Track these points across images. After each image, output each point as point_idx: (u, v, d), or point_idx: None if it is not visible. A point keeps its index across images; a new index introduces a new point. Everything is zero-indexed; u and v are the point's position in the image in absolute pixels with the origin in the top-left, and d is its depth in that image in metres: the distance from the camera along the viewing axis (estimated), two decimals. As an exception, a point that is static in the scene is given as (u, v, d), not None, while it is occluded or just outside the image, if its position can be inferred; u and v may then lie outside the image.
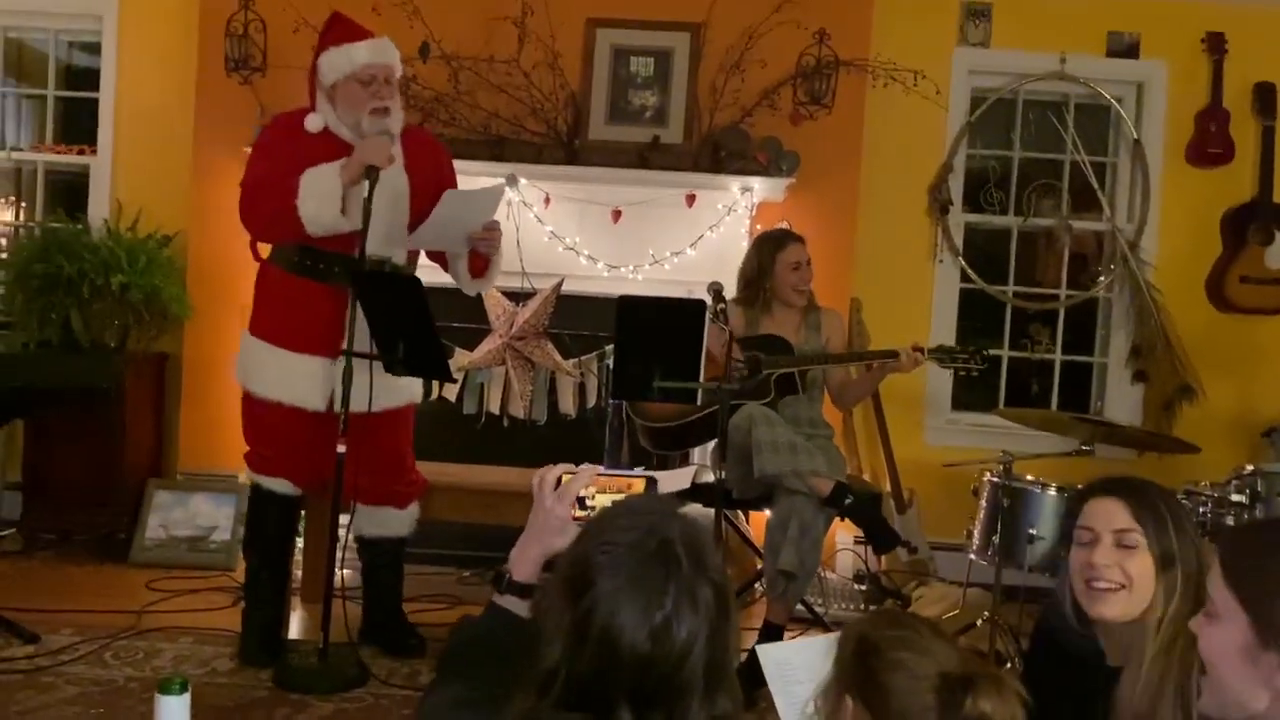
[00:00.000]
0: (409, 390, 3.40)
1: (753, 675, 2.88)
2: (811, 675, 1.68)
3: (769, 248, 3.68)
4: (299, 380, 3.20)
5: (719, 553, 1.30)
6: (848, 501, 3.26)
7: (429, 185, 3.27)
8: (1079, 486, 1.95)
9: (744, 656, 3.24)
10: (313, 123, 3.22)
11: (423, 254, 3.45)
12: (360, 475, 3.30)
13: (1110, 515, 1.76)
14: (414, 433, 3.56)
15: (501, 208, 4.23)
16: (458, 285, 3.48)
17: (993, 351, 4.86)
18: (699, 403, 3.20)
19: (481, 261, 3.39)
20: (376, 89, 3.18)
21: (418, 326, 3.02)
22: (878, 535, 3.38)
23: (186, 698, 1.26)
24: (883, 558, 4.39)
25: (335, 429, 3.15)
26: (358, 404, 3.07)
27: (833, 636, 2.27)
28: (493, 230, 3.32)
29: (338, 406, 3.13)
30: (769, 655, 1.86)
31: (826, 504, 3.26)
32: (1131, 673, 1.70)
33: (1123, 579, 1.74)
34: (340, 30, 3.22)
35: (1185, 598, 1.70)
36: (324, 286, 3.19)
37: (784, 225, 4.00)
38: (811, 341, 3.66)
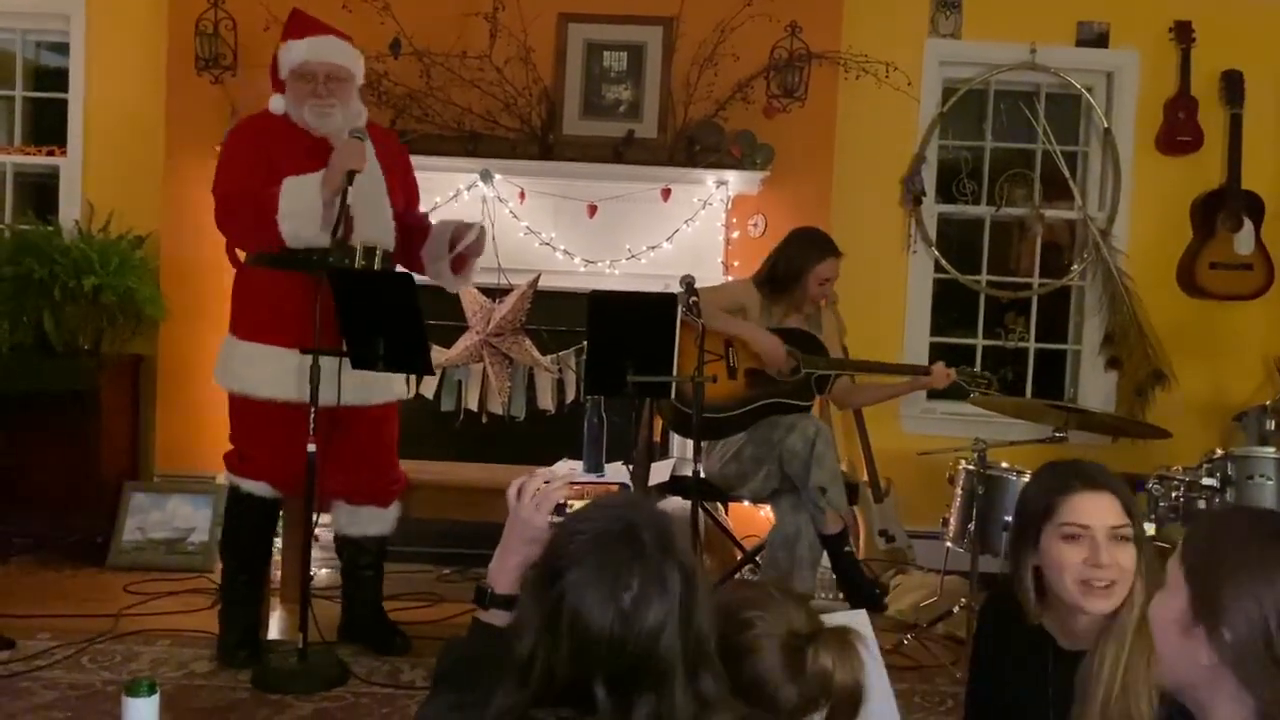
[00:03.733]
0: (394, 386, 3.41)
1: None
2: None
3: (812, 253, 3.65)
4: (292, 375, 3.19)
5: (689, 538, 1.32)
6: (847, 549, 3.35)
7: (400, 176, 3.35)
8: (1039, 475, 1.95)
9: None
10: (275, 104, 3.31)
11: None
12: (342, 473, 3.30)
13: (1104, 512, 1.75)
14: (399, 431, 3.56)
15: (476, 204, 4.27)
16: (439, 284, 3.51)
17: (967, 341, 4.92)
18: (672, 395, 3.21)
19: (461, 261, 3.43)
20: (315, 87, 3.24)
21: (405, 323, 3.04)
22: (854, 592, 3.41)
23: (155, 699, 1.26)
24: (860, 546, 4.43)
25: (323, 425, 3.17)
26: (332, 399, 3.10)
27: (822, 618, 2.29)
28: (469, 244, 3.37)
29: (329, 399, 3.15)
30: None
31: (825, 540, 3.28)
32: (1109, 654, 1.71)
33: (1118, 574, 1.75)
34: (293, 26, 3.32)
35: (1150, 575, 1.72)
36: (308, 277, 3.19)
37: (827, 234, 3.88)
38: None
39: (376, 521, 3.46)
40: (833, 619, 1.97)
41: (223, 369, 3.35)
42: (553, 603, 1.24)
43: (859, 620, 1.88)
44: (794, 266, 3.65)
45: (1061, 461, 1.90)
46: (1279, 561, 1.22)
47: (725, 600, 1.41)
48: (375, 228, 3.27)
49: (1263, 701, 1.19)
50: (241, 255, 3.38)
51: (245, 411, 3.31)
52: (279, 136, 3.25)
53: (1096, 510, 1.75)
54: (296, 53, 3.24)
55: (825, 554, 3.50)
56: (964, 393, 3.77)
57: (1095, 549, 1.74)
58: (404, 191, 3.41)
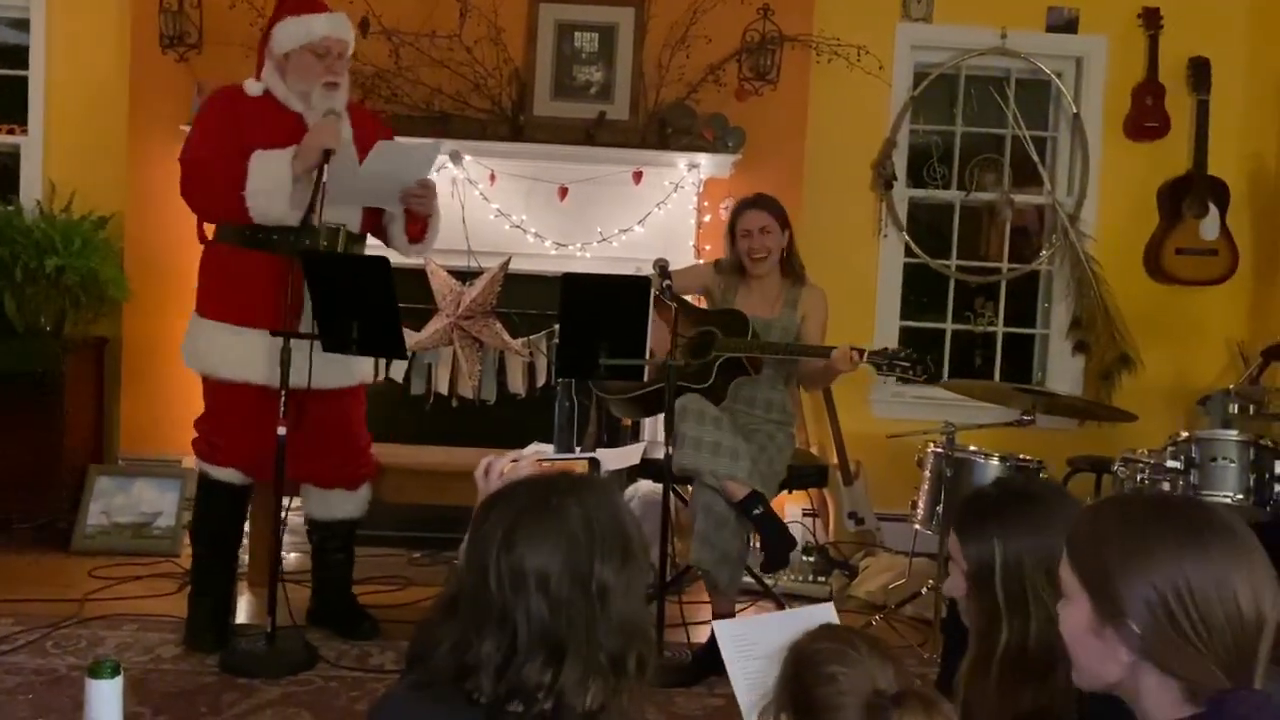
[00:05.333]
0: (359, 369, 3.38)
1: (709, 659, 2.92)
2: (767, 650, 1.70)
3: (733, 213, 3.63)
4: (264, 357, 3.15)
5: (618, 507, 1.33)
6: (755, 512, 3.19)
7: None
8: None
9: (700, 644, 3.28)
10: (252, 87, 3.25)
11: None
12: (311, 457, 3.27)
13: (953, 547, 1.79)
14: (367, 413, 3.54)
15: (446, 185, 4.23)
16: (397, 251, 3.45)
17: (937, 325, 4.95)
18: (645, 378, 3.20)
19: (418, 225, 3.38)
20: (330, 63, 3.20)
21: (380, 306, 3.01)
22: (769, 553, 3.30)
23: (119, 681, 1.25)
24: (829, 528, 4.46)
25: (291, 409, 3.14)
26: (300, 381, 3.07)
27: (790, 612, 2.28)
28: (427, 187, 3.30)
29: (298, 382, 3.11)
30: (725, 631, 1.87)
31: (737, 509, 3.23)
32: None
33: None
34: (298, 1, 3.24)
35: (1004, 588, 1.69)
36: (275, 258, 3.16)
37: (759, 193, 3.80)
38: (786, 318, 3.55)
39: (346, 504, 3.45)
40: (801, 614, 1.98)
41: (190, 349, 3.32)
42: (476, 550, 1.29)
43: (826, 613, 1.89)
44: (729, 236, 3.60)
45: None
46: (1157, 539, 1.23)
47: (806, 650, 1.37)
48: (341, 208, 3.23)
49: (1184, 680, 1.21)
50: (209, 233, 3.33)
51: (211, 393, 3.29)
52: (257, 114, 3.20)
53: (952, 544, 1.79)
54: (316, 27, 3.17)
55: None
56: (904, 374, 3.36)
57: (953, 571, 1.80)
58: None
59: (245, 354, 3.18)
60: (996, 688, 1.62)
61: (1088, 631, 1.26)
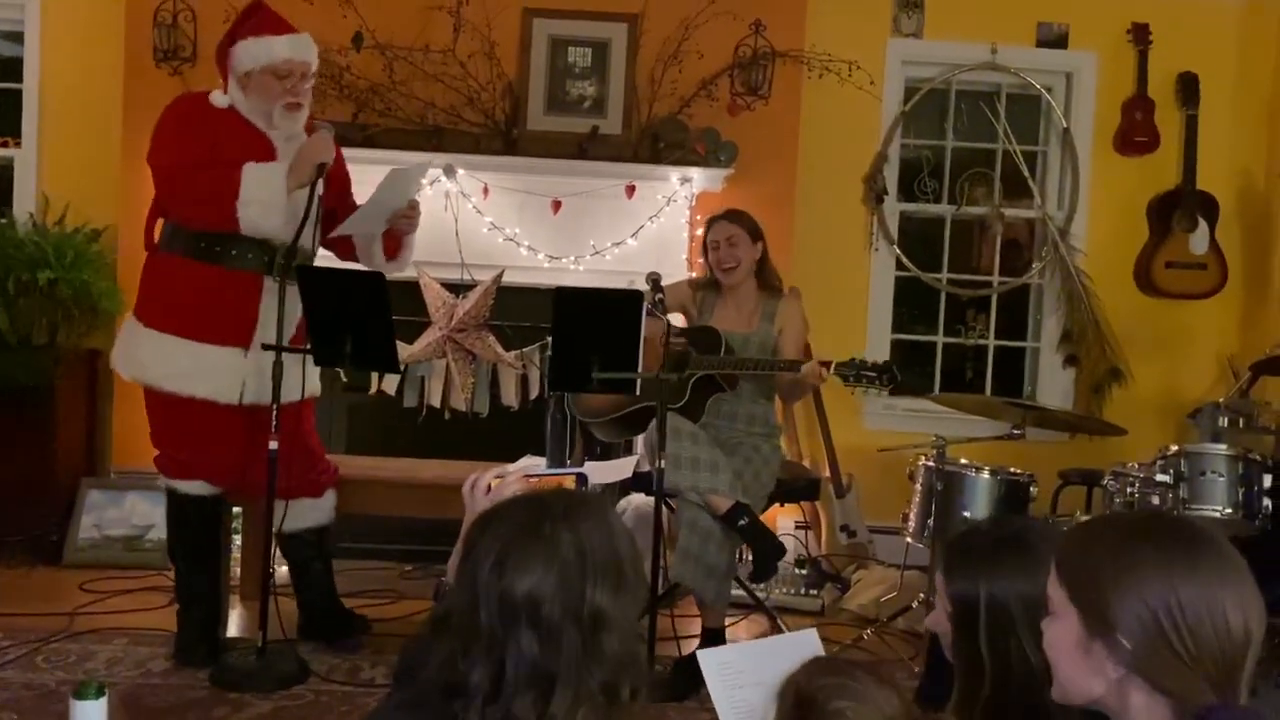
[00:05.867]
0: (310, 383, 3.33)
1: (692, 675, 2.92)
2: (754, 679, 1.70)
3: (704, 229, 3.64)
4: (214, 373, 3.13)
5: (609, 527, 1.31)
6: (741, 523, 3.20)
7: (332, 176, 3.27)
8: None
9: (682, 656, 3.28)
10: (218, 99, 3.20)
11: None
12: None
13: (939, 584, 1.77)
14: (316, 423, 3.55)
15: (440, 198, 4.26)
16: (363, 266, 3.42)
17: (928, 338, 4.97)
18: (638, 392, 3.20)
19: (395, 243, 3.38)
20: (292, 84, 3.17)
21: (376, 321, 3.01)
22: (758, 562, 3.31)
23: (103, 703, 1.25)
24: (821, 541, 4.46)
25: (248, 423, 3.14)
26: (232, 398, 3.09)
27: (773, 639, 2.27)
28: (414, 208, 3.33)
29: (247, 398, 3.11)
30: (709, 659, 1.85)
31: (722, 522, 3.22)
32: None
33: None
34: (260, 20, 3.20)
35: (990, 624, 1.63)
36: (233, 273, 3.14)
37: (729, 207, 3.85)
38: (763, 332, 3.55)
39: (313, 512, 3.42)
40: (784, 641, 1.97)
41: (130, 357, 3.24)
42: (468, 572, 1.28)
43: (810, 638, 1.89)
44: (703, 251, 3.63)
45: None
46: (1149, 556, 1.25)
47: (808, 688, 1.34)
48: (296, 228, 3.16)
49: (1172, 695, 1.21)
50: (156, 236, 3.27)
51: (166, 408, 3.21)
52: (225, 126, 3.16)
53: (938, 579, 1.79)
54: (276, 49, 3.13)
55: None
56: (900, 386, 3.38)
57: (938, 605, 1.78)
58: (337, 188, 3.34)
59: (196, 369, 3.13)
60: None
61: (1075, 646, 1.27)
